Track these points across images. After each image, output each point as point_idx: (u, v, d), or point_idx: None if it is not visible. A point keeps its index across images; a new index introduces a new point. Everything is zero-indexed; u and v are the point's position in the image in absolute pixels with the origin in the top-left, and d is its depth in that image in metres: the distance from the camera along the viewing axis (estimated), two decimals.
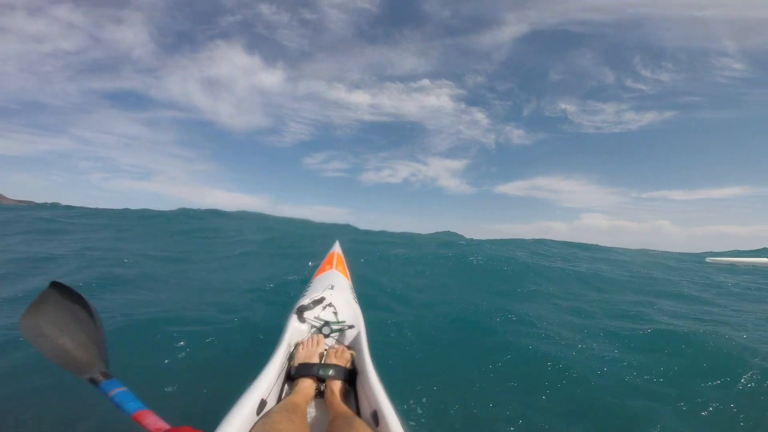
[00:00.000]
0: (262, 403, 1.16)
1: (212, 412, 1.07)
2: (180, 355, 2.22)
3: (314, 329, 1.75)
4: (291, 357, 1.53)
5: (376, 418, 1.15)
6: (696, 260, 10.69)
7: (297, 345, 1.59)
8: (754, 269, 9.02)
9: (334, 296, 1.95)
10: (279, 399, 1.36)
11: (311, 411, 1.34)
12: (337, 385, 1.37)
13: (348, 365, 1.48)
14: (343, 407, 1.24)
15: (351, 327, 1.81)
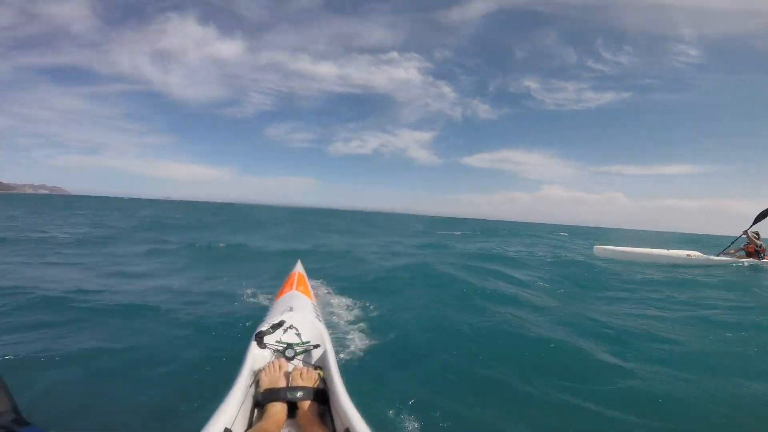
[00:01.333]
0: None
1: None
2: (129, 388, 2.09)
3: (276, 353, 1.72)
4: (256, 384, 1.50)
5: None
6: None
7: (259, 371, 1.55)
8: (642, 259, 8.46)
9: (295, 318, 1.92)
10: (249, 426, 1.33)
11: None
12: (308, 406, 1.36)
13: (316, 384, 1.48)
14: (315, 427, 1.23)
15: (316, 346, 1.79)
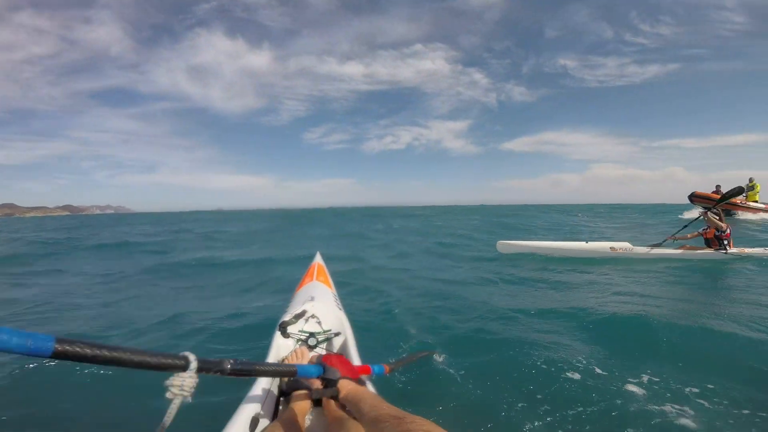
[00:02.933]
0: (254, 421, 1.18)
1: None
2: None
3: (299, 342, 1.78)
4: None
5: None
6: None
7: (283, 360, 1.59)
8: (553, 254, 6.79)
9: (316, 307, 1.96)
10: (275, 415, 1.37)
11: (308, 421, 1.35)
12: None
13: None
14: (339, 412, 1.24)
15: (337, 334, 1.83)
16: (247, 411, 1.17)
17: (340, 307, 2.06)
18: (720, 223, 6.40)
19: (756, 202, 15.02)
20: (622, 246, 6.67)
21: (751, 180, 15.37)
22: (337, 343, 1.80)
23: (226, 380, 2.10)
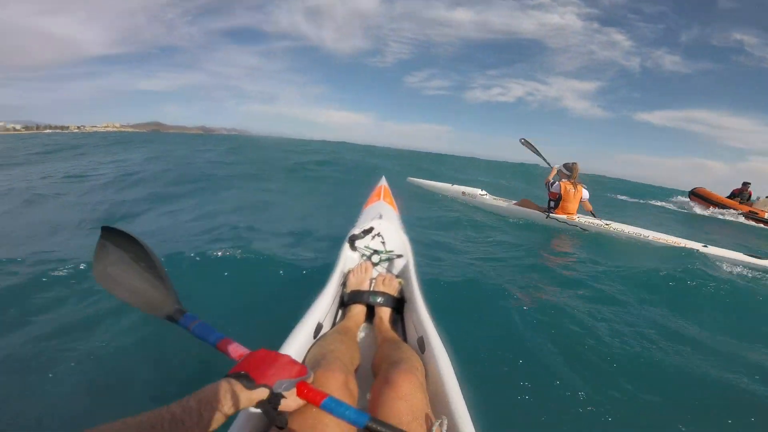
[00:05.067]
0: (319, 327, 1.25)
1: (276, 334, 1.16)
2: (249, 285, 2.48)
3: (364, 257, 1.83)
4: (343, 284, 1.62)
5: (422, 345, 1.19)
6: None
7: (348, 272, 1.67)
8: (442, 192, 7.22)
9: (382, 226, 1.96)
10: (333, 323, 1.46)
11: (361, 335, 1.42)
12: (385, 312, 1.44)
13: (396, 294, 1.53)
14: (390, 332, 1.30)
15: (399, 256, 1.83)
16: (313, 317, 1.24)
17: (404, 231, 2.04)
18: (550, 176, 5.26)
19: None
20: (472, 192, 6.62)
21: None
22: (398, 265, 1.82)
23: (297, 287, 2.42)
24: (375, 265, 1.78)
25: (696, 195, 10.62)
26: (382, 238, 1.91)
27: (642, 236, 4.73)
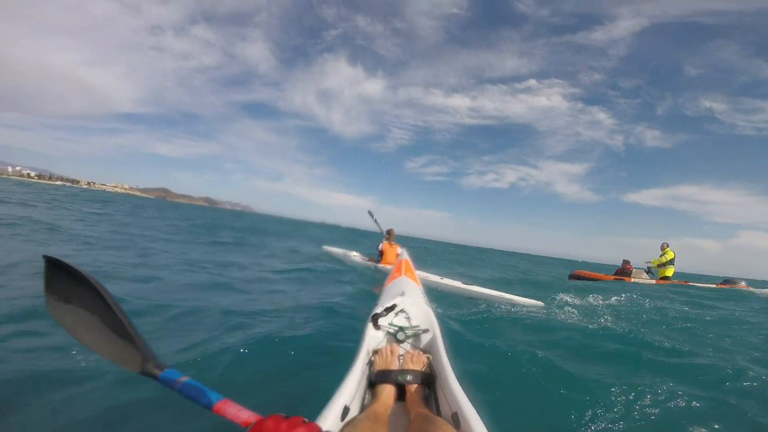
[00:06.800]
0: (346, 410, 1.20)
1: (299, 412, 1.19)
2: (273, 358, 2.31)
3: (389, 335, 1.80)
4: (370, 364, 1.58)
5: (457, 420, 1.14)
6: None
7: (375, 352, 1.63)
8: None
9: (405, 302, 1.96)
10: (362, 405, 1.40)
11: (392, 416, 1.36)
12: (415, 389, 1.39)
13: (425, 369, 1.49)
14: (422, 408, 1.25)
15: (425, 331, 1.81)
16: (341, 400, 1.20)
17: (429, 304, 2.05)
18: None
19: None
20: (354, 254, 7.81)
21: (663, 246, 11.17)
22: (424, 339, 1.80)
23: (321, 367, 2.30)
24: (401, 342, 1.76)
25: (574, 276, 11.79)
26: (406, 314, 1.90)
27: (459, 287, 5.36)
